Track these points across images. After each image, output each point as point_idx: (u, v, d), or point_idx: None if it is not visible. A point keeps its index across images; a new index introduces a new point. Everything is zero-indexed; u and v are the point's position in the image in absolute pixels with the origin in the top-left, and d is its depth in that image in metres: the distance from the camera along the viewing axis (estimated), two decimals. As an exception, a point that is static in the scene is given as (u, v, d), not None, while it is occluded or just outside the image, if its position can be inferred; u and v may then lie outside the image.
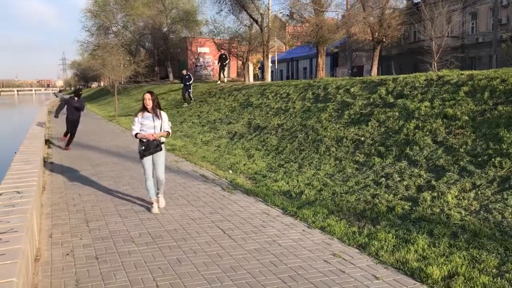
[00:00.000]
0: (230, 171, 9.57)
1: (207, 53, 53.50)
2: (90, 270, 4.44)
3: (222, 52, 32.68)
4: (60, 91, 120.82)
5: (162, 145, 6.56)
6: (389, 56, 37.33)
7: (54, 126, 19.42)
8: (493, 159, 6.45)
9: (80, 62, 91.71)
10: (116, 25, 53.62)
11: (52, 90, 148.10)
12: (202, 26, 50.47)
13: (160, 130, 6.42)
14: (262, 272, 4.43)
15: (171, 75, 51.14)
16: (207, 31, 46.17)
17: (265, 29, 31.77)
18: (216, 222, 6.11)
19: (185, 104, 21.52)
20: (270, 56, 34.77)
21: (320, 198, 7.05)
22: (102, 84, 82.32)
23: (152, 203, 6.62)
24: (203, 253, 4.96)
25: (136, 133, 6.39)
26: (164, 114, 6.55)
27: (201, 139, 14.04)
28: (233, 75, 54.41)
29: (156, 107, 6.45)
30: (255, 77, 47.99)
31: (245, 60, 38.41)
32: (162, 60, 54.49)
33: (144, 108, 6.42)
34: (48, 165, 10.41)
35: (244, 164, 10.03)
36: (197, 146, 13.04)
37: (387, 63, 36.38)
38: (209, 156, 11.38)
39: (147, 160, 6.49)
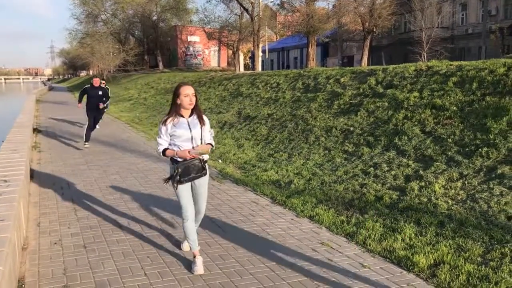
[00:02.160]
0: (220, 161, 9.57)
1: (197, 42, 53.18)
2: (78, 259, 4.43)
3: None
4: (48, 80, 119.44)
5: (206, 165, 4.30)
6: (380, 47, 37.38)
7: (42, 114, 19.23)
8: (480, 149, 6.52)
9: (69, 50, 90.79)
10: (105, 13, 53.02)
11: (40, 79, 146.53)
12: (192, 15, 50.16)
13: (201, 143, 4.18)
14: (250, 261, 4.45)
15: (160, 64, 50.78)
16: (197, 19, 45.94)
17: (255, 18, 31.64)
18: (205, 211, 6.10)
19: (87, 145, 11.27)
20: (260, 45, 34.68)
21: (309, 188, 7.08)
22: (91, 72, 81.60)
23: (194, 256, 4.28)
24: (192, 242, 4.96)
25: (165, 149, 4.15)
26: (206, 119, 4.29)
27: (191, 129, 13.98)
28: (224, 64, 54.20)
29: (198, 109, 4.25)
30: (246, 66, 47.90)
31: (235, 49, 38.28)
32: (151, 48, 54.07)
33: (175, 111, 4.15)
34: (36, 153, 10.32)
35: (234, 154, 10.03)
36: (187, 136, 12.99)
37: (378, 54, 36.45)
38: (199, 145, 11.34)
39: (185, 189, 4.23)
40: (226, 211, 6.13)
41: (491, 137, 6.65)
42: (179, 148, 4.12)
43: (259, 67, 32.63)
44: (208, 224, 5.57)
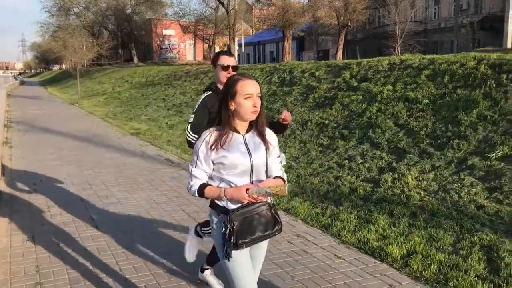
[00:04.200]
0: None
1: (173, 35, 52.70)
2: (51, 256, 4.37)
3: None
4: (20, 74, 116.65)
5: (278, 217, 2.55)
6: (354, 40, 37.73)
7: (13, 109, 18.79)
8: (451, 141, 6.67)
9: (41, 44, 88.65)
10: (78, 5, 51.98)
11: (11, 73, 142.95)
12: (167, 8, 49.61)
13: (266, 175, 2.53)
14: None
15: (135, 58, 50.13)
16: (172, 13, 45.51)
17: (231, 11, 31.53)
18: (181, 205, 6.09)
19: None
20: (236, 39, 34.59)
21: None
22: (64, 66, 79.95)
23: None
24: (167, 237, 4.95)
25: (203, 186, 2.45)
26: (272, 135, 2.60)
27: (167, 123, 13.89)
28: (200, 58, 53.89)
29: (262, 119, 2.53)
30: (222, 60, 47.65)
31: (211, 43, 38.10)
32: (126, 42, 53.29)
33: (227, 123, 2.45)
34: (7, 149, 10.09)
35: (210, 148, 9.99)
36: (162, 130, 12.90)
37: (352, 48, 36.78)
38: (175, 140, 11.28)
39: (244, 259, 2.52)
40: (203, 205, 6.09)
41: (462, 129, 6.81)
42: (230, 186, 2.42)
43: (235, 61, 32.56)
44: (185, 219, 5.55)
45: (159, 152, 9.83)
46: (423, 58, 9.74)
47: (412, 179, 6.15)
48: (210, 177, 2.49)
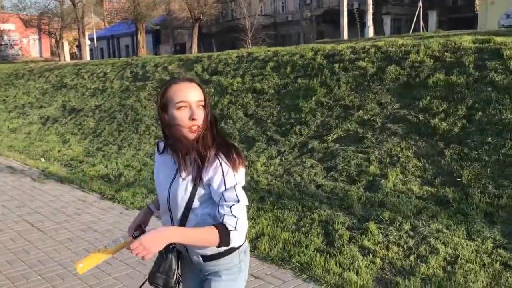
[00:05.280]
0: (42, 160, 8.85)
1: (13, 30, 47.81)
2: None
3: None
4: None
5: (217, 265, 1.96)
6: (210, 34, 38.26)
7: None
8: (294, 127, 7.17)
9: None
10: None
11: None
12: (3, 0, 44.72)
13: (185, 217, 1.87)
14: (74, 261, 4.25)
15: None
16: (10, 5, 41.15)
17: (78, 4, 29.65)
18: (23, 215, 5.62)
19: None
20: (87, 33, 32.65)
21: (140, 179, 6.99)
22: None
23: None
24: (6, 251, 4.54)
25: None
26: (218, 162, 1.81)
27: (8, 127, 12.62)
28: (47, 54, 49.76)
29: (211, 133, 1.85)
30: (73, 56, 44.65)
31: (58, 38, 35.42)
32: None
33: (169, 139, 1.89)
34: None
35: (59, 151, 9.36)
36: (3, 135, 11.71)
37: (208, 41, 37.27)
38: (18, 144, 10.33)
39: None
40: (49, 212, 5.72)
41: (302, 115, 7.35)
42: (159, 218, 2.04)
43: (86, 56, 30.77)
44: (27, 229, 5.14)
45: (-1, 160, 8.93)
46: (268, 51, 10.26)
47: (261, 165, 6.49)
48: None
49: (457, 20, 27.90)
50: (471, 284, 3.54)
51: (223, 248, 1.83)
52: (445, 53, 7.05)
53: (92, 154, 8.87)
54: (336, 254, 4.17)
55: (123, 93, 11.95)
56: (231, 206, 1.78)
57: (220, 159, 1.79)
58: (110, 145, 9.21)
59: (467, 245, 4.02)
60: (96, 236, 4.90)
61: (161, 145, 1.98)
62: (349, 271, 3.87)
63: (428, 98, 6.29)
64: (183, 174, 1.83)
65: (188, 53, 26.70)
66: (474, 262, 3.80)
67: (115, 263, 4.13)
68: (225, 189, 1.79)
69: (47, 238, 4.86)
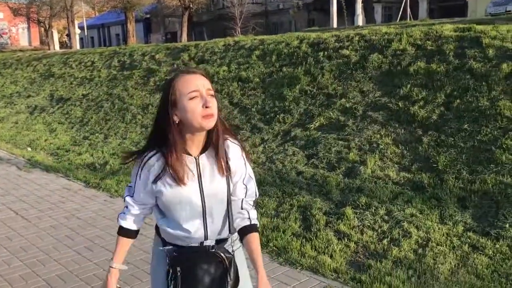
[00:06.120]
0: (29, 149, 8.88)
1: (1, 18, 47.30)
2: None
3: None
4: None
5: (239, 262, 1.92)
6: (201, 22, 38.00)
7: None
8: (278, 116, 7.24)
9: None
10: None
11: None
12: (-9, -12, 44.16)
13: (228, 223, 1.86)
14: (56, 247, 4.33)
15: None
16: (-2, -7, 40.67)
17: (66, -8, 29.35)
18: (7, 204, 5.68)
19: None
20: (77, 22, 32.37)
21: (125, 167, 7.04)
22: None
23: None
24: (-11, 238, 4.61)
25: (122, 229, 1.93)
26: (235, 148, 1.89)
27: (-5, 116, 12.60)
28: (36, 43, 49.30)
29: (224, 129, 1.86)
30: (64, 45, 44.29)
31: (47, 26, 35.09)
32: None
33: (173, 142, 1.73)
34: None
35: (46, 140, 9.39)
36: (-10, 125, 11.70)
37: (199, 29, 37.06)
38: (4, 134, 10.33)
39: None
40: (33, 201, 5.79)
41: (286, 104, 7.43)
42: (171, 233, 1.84)
43: (76, 45, 30.58)
44: (11, 217, 5.21)
45: (-15, 149, 8.95)
46: (254, 39, 10.29)
47: (244, 154, 6.56)
48: (161, 218, 1.88)
49: (447, 8, 27.94)
50: (439, 265, 3.66)
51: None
52: (427, 41, 7.13)
53: (79, 143, 8.91)
54: (312, 238, 4.28)
55: (111, 82, 11.95)
56: (253, 201, 1.92)
57: (235, 143, 1.87)
58: (96, 134, 9.25)
59: (438, 229, 4.14)
60: (79, 223, 4.98)
61: (153, 161, 1.78)
62: (324, 254, 3.98)
63: (409, 86, 6.38)
64: (216, 169, 1.79)
65: (179, 41, 26.58)
66: (444, 244, 3.92)
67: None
68: (250, 177, 1.93)
69: (31, 226, 4.93)
